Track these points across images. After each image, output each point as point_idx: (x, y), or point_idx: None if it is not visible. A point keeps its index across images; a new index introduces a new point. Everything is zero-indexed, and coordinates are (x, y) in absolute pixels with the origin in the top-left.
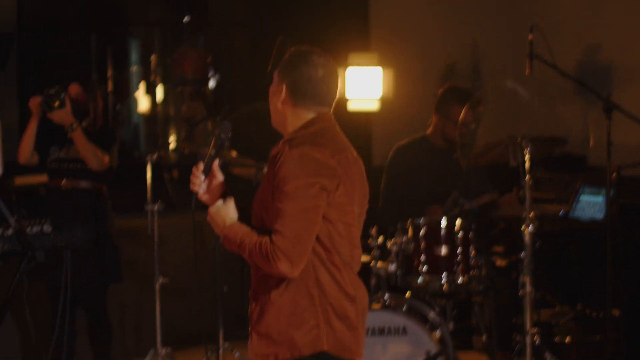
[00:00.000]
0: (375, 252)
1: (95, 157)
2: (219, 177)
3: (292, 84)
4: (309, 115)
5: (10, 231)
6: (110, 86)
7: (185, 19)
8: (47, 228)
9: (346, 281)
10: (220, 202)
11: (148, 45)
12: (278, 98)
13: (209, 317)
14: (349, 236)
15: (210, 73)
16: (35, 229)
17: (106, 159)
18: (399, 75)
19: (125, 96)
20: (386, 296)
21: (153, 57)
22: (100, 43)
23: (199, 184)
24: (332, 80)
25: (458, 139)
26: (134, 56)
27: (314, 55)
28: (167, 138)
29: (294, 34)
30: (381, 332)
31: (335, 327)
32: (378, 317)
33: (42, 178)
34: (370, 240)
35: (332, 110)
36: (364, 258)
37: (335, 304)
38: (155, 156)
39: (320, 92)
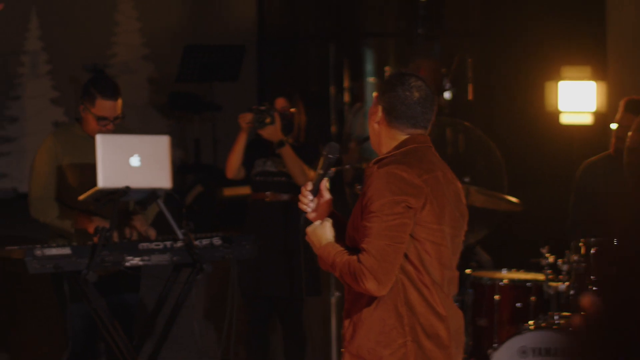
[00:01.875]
0: (546, 271)
1: (303, 174)
2: (326, 196)
3: (388, 104)
4: (402, 136)
5: (180, 243)
6: (347, 97)
7: (420, 29)
8: (216, 241)
9: (436, 301)
10: (317, 223)
11: (383, 56)
12: (374, 119)
13: None
14: (438, 256)
15: (447, 85)
16: (205, 242)
17: (311, 174)
18: (620, 89)
19: (361, 107)
20: (556, 316)
21: (387, 68)
22: (337, 54)
23: (307, 202)
24: (427, 103)
25: (617, 144)
26: (369, 67)
27: (411, 79)
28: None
29: (517, 45)
30: (547, 352)
31: (424, 346)
32: (546, 338)
33: (248, 190)
34: (541, 259)
35: (428, 132)
36: (537, 276)
37: (425, 323)
38: (332, 170)
39: (414, 114)
